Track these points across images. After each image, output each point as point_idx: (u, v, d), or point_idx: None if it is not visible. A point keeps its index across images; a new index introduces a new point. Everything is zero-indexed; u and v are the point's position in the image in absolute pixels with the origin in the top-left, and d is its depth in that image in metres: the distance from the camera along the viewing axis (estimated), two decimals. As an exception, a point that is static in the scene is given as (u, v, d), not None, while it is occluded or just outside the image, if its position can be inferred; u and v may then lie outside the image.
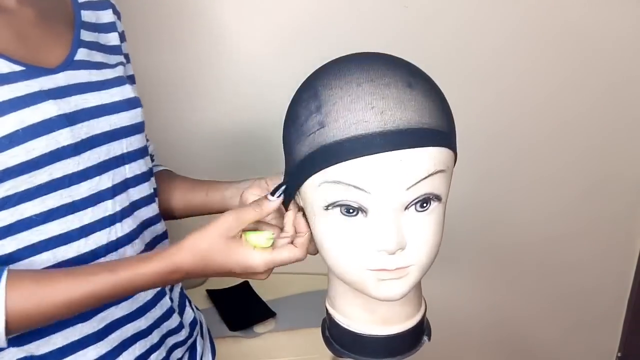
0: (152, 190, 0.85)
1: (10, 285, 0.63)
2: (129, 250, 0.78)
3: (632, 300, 1.83)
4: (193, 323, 0.95)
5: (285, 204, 0.69)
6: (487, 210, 1.73)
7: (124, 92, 0.80)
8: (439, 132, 0.60)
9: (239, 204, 0.81)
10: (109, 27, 0.86)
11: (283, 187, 0.67)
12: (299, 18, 1.50)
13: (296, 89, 0.66)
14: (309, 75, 0.65)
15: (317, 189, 0.61)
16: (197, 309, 1.02)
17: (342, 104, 0.58)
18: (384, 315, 0.69)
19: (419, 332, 0.73)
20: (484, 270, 1.80)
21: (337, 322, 0.72)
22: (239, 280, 1.66)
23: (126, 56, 0.90)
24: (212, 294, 1.60)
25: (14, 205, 0.67)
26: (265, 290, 1.62)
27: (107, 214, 0.75)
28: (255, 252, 0.67)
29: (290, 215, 0.69)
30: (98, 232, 0.74)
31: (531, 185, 1.71)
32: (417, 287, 0.72)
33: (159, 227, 0.87)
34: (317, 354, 1.38)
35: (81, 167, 0.72)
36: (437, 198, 0.61)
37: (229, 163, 1.60)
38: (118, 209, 0.77)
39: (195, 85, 1.53)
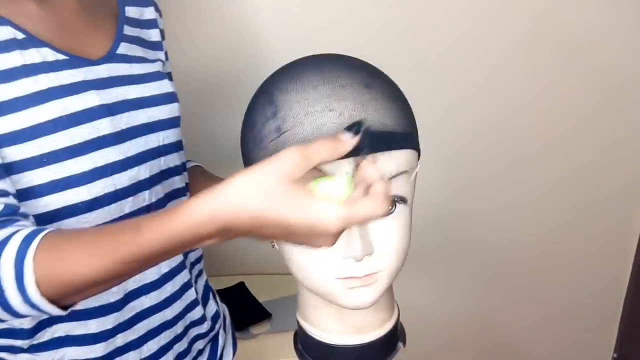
0: (184, 184, 0.86)
1: (43, 247, 0.58)
2: None
3: (628, 302, 1.83)
4: (215, 316, 0.95)
5: None
6: (480, 212, 1.72)
7: (163, 86, 0.81)
8: (400, 134, 0.58)
9: None
10: (151, 24, 0.88)
11: (362, 125, 0.50)
12: (291, 17, 1.50)
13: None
14: (264, 79, 0.64)
15: None
16: (221, 302, 1.03)
17: (299, 108, 0.57)
18: (356, 323, 0.68)
19: (393, 339, 0.72)
20: (478, 273, 1.80)
21: (309, 334, 0.71)
22: (236, 280, 1.66)
23: (165, 54, 0.91)
24: (208, 295, 1.60)
25: (61, 191, 0.69)
26: (260, 291, 1.62)
27: (144, 204, 0.77)
28: (326, 203, 0.49)
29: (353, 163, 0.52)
30: None
31: (527, 188, 1.70)
32: (389, 292, 0.71)
33: None
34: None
35: (122, 157, 0.73)
36: (402, 200, 0.60)
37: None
38: (154, 199, 0.78)
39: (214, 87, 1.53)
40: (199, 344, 0.92)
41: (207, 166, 1.02)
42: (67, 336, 0.75)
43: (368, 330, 0.69)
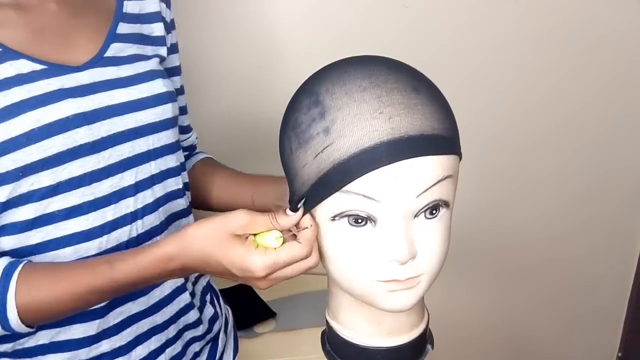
0: (180, 185, 0.84)
1: (23, 278, 0.66)
2: None
3: (632, 300, 1.83)
4: (213, 319, 0.94)
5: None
6: (485, 212, 1.72)
7: (153, 87, 0.79)
8: (447, 139, 0.59)
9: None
10: (153, 17, 0.85)
11: (302, 202, 0.61)
12: (296, 18, 1.50)
13: (293, 94, 0.64)
14: (305, 80, 0.63)
15: None
16: (224, 303, 1.02)
17: (348, 111, 0.56)
18: (390, 326, 0.68)
19: (423, 342, 0.72)
20: (483, 271, 1.80)
21: (340, 335, 0.70)
22: (239, 280, 1.66)
23: (173, 46, 0.89)
24: (213, 294, 1.60)
25: (38, 200, 0.70)
26: (265, 290, 1.62)
27: (128, 210, 0.76)
28: (255, 253, 0.61)
29: (294, 217, 0.62)
30: (120, 229, 0.75)
31: (530, 186, 1.70)
32: None
33: (186, 222, 0.86)
34: (318, 354, 1.38)
35: (101, 165, 0.73)
36: (446, 204, 0.60)
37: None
38: (140, 206, 0.77)
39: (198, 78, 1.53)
40: (195, 346, 0.90)
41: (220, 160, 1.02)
42: (51, 342, 0.76)
43: (401, 333, 0.69)
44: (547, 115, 1.63)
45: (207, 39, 1.49)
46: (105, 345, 0.77)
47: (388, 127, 0.56)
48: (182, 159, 0.86)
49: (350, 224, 0.59)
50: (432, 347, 0.73)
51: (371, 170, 0.55)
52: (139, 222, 0.77)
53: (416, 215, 0.58)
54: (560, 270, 1.80)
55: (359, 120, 0.56)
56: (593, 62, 1.58)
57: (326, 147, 0.57)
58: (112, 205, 0.74)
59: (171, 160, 0.82)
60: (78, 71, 0.73)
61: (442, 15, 1.51)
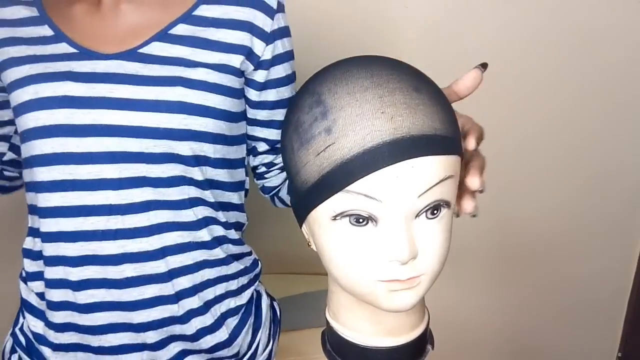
0: (180, 197, 0.81)
1: None
2: (130, 245, 0.79)
3: (632, 300, 1.83)
4: (222, 343, 0.91)
5: (300, 222, 0.67)
6: (485, 212, 1.72)
7: (166, 92, 0.76)
8: (449, 139, 0.59)
9: None
10: (234, 24, 0.81)
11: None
12: (297, 18, 1.50)
13: (295, 94, 0.64)
14: (307, 79, 0.63)
15: None
16: (272, 338, 1.02)
17: (350, 111, 0.56)
18: (391, 326, 0.68)
19: (423, 342, 0.72)
20: (482, 271, 1.80)
21: (341, 335, 0.70)
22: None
23: (274, 58, 0.84)
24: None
25: (29, 167, 0.79)
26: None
27: (106, 202, 0.77)
28: None
29: None
30: (96, 217, 0.78)
31: (530, 185, 1.70)
32: None
33: (182, 234, 0.83)
34: (318, 354, 1.37)
35: (81, 150, 0.76)
36: (447, 204, 0.60)
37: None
38: (122, 202, 0.78)
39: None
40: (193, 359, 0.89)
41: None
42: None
43: (401, 333, 0.69)
44: (546, 115, 1.63)
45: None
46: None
47: (390, 127, 0.56)
48: (184, 173, 0.81)
49: (351, 223, 0.59)
50: (433, 347, 0.74)
51: (373, 170, 0.55)
52: (119, 217, 0.78)
53: (417, 215, 0.58)
54: (560, 270, 1.80)
55: (360, 120, 0.56)
56: (593, 61, 1.58)
57: (328, 146, 0.57)
58: (90, 192, 0.77)
59: (175, 169, 0.79)
60: (102, 59, 0.78)
61: (442, 15, 1.51)
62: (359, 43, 1.41)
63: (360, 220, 0.58)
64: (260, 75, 0.84)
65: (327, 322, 0.73)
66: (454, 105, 0.65)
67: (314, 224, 0.62)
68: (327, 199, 0.58)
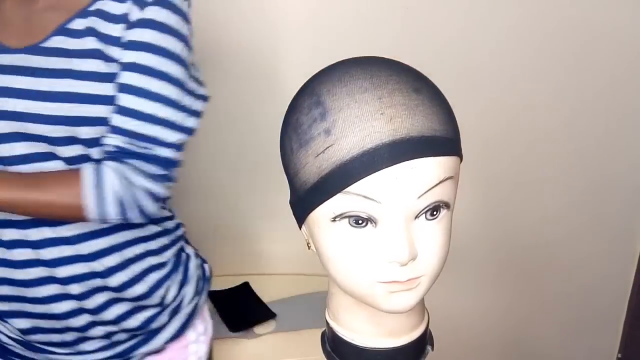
0: (59, 167, 0.93)
1: None
2: None
3: (632, 302, 1.83)
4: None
5: (299, 223, 0.66)
6: (485, 213, 1.72)
7: (60, 84, 0.89)
8: (448, 140, 0.59)
9: None
10: (118, 19, 0.92)
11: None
12: (297, 19, 1.50)
13: (294, 95, 0.65)
14: (306, 80, 0.63)
15: None
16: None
17: (349, 112, 0.56)
18: (390, 327, 0.68)
19: (423, 343, 0.72)
20: (483, 273, 1.80)
21: (341, 336, 0.70)
22: (240, 280, 1.66)
23: (130, 43, 0.92)
24: (213, 295, 1.60)
25: None
26: (265, 292, 1.62)
27: None
28: None
29: None
30: None
31: (531, 188, 1.70)
32: None
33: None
34: (318, 355, 1.38)
35: None
36: (447, 205, 0.60)
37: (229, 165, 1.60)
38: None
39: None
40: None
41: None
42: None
43: (401, 334, 0.69)
44: (547, 117, 1.63)
45: (208, 39, 1.49)
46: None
47: (389, 128, 0.56)
48: (74, 152, 0.93)
49: (350, 225, 0.58)
50: (432, 348, 0.73)
51: (372, 172, 0.55)
52: None
53: (417, 217, 0.58)
54: (561, 272, 1.80)
55: (360, 121, 0.56)
56: (593, 64, 1.58)
57: (327, 147, 0.57)
58: (3, 166, 0.91)
59: (77, 150, 0.93)
60: (6, 53, 0.90)
61: (442, 16, 1.51)
62: (359, 44, 1.41)
63: (360, 221, 0.58)
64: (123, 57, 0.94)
65: (327, 323, 0.73)
66: (456, 110, 0.65)
67: (314, 225, 0.62)
68: (326, 200, 0.58)
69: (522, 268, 1.79)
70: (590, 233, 1.76)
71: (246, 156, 1.60)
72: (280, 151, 0.65)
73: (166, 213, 1.08)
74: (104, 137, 0.92)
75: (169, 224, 1.08)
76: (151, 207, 0.94)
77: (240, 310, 1.56)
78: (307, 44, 1.50)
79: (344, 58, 0.64)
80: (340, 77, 0.59)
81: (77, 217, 0.90)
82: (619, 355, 1.90)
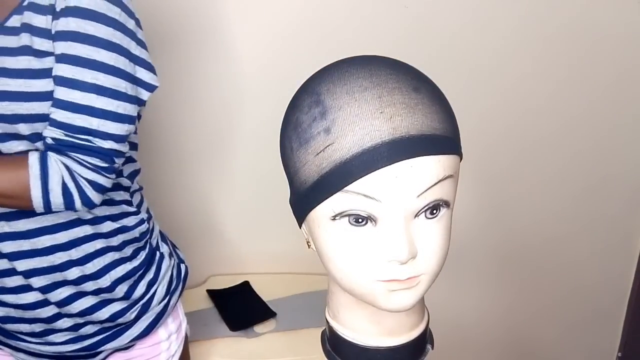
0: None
1: None
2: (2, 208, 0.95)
3: (632, 301, 1.83)
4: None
5: (299, 222, 0.66)
6: (486, 213, 1.73)
7: None
8: (448, 138, 0.59)
9: None
10: (45, 10, 0.92)
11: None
12: (298, 18, 1.50)
13: (294, 94, 0.65)
14: (306, 79, 0.63)
15: None
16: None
17: (349, 111, 0.56)
18: (390, 326, 0.68)
19: (423, 342, 0.72)
20: (483, 272, 1.80)
21: (341, 335, 0.70)
22: (241, 279, 1.66)
23: (57, 34, 0.91)
24: (213, 294, 1.60)
25: None
26: (265, 291, 1.62)
27: None
28: None
29: None
30: None
31: (531, 187, 1.71)
32: None
33: None
34: (318, 354, 1.38)
35: None
36: (446, 204, 0.60)
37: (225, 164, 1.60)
38: None
39: (194, 86, 1.53)
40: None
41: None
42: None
43: (401, 332, 0.69)
44: (547, 117, 1.63)
45: (208, 38, 1.49)
46: None
47: (389, 127, 0.56)
48: (20, 147, 0.94)
49: (350, 223, 0.59)
50: (432, 347, 0.73)
51: (372, 170, 0.55)
52: None
53: (416, 215, 0.58)
54: (561, 271, 1.80)
55: (359, 120, 0.56)
56: (593, 65, 1.58)
57: (327, 146, 0.57)
58: None
59: (21, 145, 0.94)
60: None
61: (442, 16, 1.51)
62: (358, 43, 1.41)
63: (360, 220, 0.58)
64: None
65: (327, 322, 0.73)
66: (456, 109, 0.65)
67: (313, 224, 0.62)
68: (326, 199, 0.58)
69: (522, 268, 1.79)
70: (590, 233, 1.76)
71: (246, 156, 1.60)
72: (280, 150, 0.65)
73: (128, 209, 1.07)
74: (45, 130, 0.91)
75: (131, 221, 1.08)
76: (95, 198, 0.92)
77: (241, 309, 1.56)
78: (306, 42, 1.50)
79: (344, 57, 0.64)
80: (340, 75, 0.59)
81: (23, 205, 0.90)
82: (619, 355, 1.90)
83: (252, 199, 1.68)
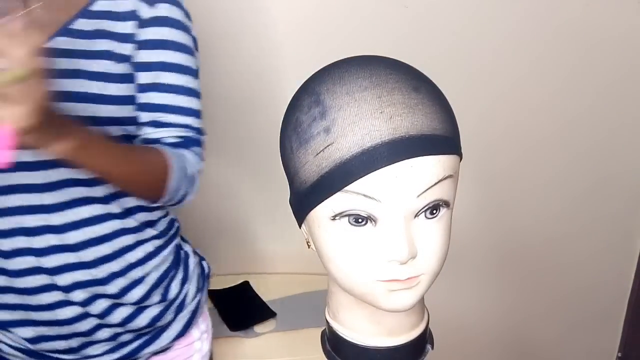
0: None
1: None
2: (51, 219, 0.95)
3: (632, 301, 1.83)
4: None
5: (299, 222, 0.67)
6: (486, 213, 1.73)
7: (73, 83, 0.89)
8: (448, 138, 0.59)
9: None
10: (125, 16, 0.94)
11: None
12: (298, 18, 1.50)
13: (294, 94, 0.65)
14: (306, 79, 0.63)
15: None
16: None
17: (349, 110, 0.57)
18: (390, 326, 0.68)
19: (423, 342, 0.72)
20: (483, 272, 1.80)
21: (341, 335, 0.70)
22: (241, 279, 1.66)
23: (146, 42, 0.95)
24: (213, 294, 1.60)
25: None
26: (265, 290, 1.62)
27: (27, 182, 0.92)
28: None
29: None
30: (19, 194, 0.93)
31: (531, 187, 1.71)
32: None
33: (93, 208, 0.98)
34: (317, 354, 1.38)
35: None
36: (446, 204, 0.60)
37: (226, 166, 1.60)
38: (41, 181, 0.93)
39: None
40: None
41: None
42: None
43: (401, 332, 0.69)
44: (547, 117, 1.63)
45: (208, 38, 1.49)
46: None
47: (389, 127, 0.56)
48: None
49: (350, 223, 0.59)
50: (432, 347, 0.73)
51: (372, 170, 0.55)
52: (38, 194, 0.94)
53: (416, 215, 0.58)
54: (561, 271, 1.80)
55: (359, 120, 0.56)
56: (593, 65, 1.58)
57: (327, 146, 0.57)
58: (9, 173, 0.90)
59: None
60: None
61: (442, 16, 1.51)
62: (358, 43, 1.41)
63: (360, 220, 0.58)
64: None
65: (327, 322, 0.73)
66: (456, 109, 0.65)
67: (313, 224, 0.62)
68: (326, 199, 0.58)
69: (522, 268, 1.79)
70: (590, 233, 1.76)
71: (246, 155, 1.60)
72: (280, 150, 0.65)
73: (160, 213, 1.08)
74: (161, 131, 0.98)
75: (164, 223, 1.09)
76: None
77: (240, 309, 1.56)
78: (306, 42, 1.50)
79: (344, 57, 0.64)
80: (339, 75, 0.59)
81: (154, 195, 0.95)
82: (619, 355, 1.90)
83: (252, 199, 1.68)
